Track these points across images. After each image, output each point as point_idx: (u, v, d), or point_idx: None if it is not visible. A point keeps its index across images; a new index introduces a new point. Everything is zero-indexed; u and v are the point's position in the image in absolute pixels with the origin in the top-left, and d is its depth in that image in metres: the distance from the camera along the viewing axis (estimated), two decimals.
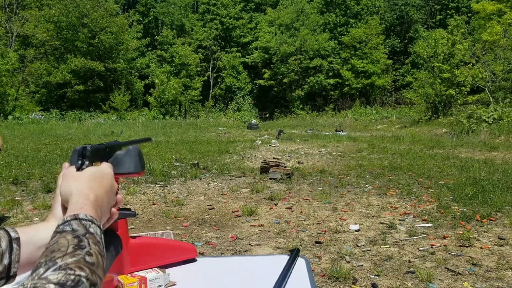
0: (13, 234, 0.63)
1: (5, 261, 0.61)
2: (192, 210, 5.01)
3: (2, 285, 0.62)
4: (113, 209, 0.72)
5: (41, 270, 0.48)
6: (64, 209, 0.68)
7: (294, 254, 1.14)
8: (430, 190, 5.93)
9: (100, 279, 0.52)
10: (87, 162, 0.72)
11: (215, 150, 10.73)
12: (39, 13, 29.29)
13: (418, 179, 6.70)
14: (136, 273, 0.99)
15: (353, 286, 2.91)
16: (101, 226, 0.61)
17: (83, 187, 0.66)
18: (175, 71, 31.47)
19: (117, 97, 27.08)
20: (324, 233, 4.07)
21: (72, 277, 0.47)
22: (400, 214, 4.72)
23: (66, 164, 0.73)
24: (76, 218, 0.58)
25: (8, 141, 12.12)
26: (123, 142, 0.86)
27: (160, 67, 31.96)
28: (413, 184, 6.36)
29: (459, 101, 19.61)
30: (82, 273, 0.48)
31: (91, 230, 0.57)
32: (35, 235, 0.66)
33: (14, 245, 0.62)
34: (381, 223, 4.41)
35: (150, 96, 28.99)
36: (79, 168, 0.71)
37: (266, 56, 32.96)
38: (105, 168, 0.74)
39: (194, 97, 30.38)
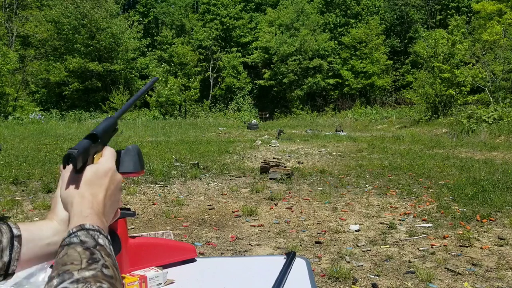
0: (15, 231, 0.63)
1: (5, 258, 0.60)
2: (192, 210, 5.01)
3: (0, 281, 0.62)
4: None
5: (55, 281, 0.46)
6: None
7: (290, 258, 1.13)
8: (430, 190, 5.93)
9: None
10: (81, 164, 0.63)
11: (215, 150, 10.73)
12: (40, 13, 29.29)
13: (418, 179, 6.70)
14: (135, 272, 0.99)
15: (353, 286, 2.91)
16: (108, 237, 0.58)
17: (85, 194, 0.61)
18: (174, 71, 31.42)
19: (116, 97, 27.06)
20: (324, 233, 4.07)
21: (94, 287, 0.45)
22: (400, 214, 4.72)
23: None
24: (82, 228, 0.55)
25: (8, 141, 12.12)
26: (116, 115, 0.75)
27: (159, 67, 31.92)
28: (413, 184, 6.36)
29: (459, 101, 19.60)
30: (104, 285, 0.46)
31: (101, 241, 0.54)
32: (37, 233, 0.65)
33: (15, 243, 0.62)
34: (381, 223, 4.41)
35: (150, 98, 28.98)
36: (77, 170, 0.64)
37: (266, 56, 32.93)
38: (105, 163, 0.65)
39: (192, 96, 30.32)
